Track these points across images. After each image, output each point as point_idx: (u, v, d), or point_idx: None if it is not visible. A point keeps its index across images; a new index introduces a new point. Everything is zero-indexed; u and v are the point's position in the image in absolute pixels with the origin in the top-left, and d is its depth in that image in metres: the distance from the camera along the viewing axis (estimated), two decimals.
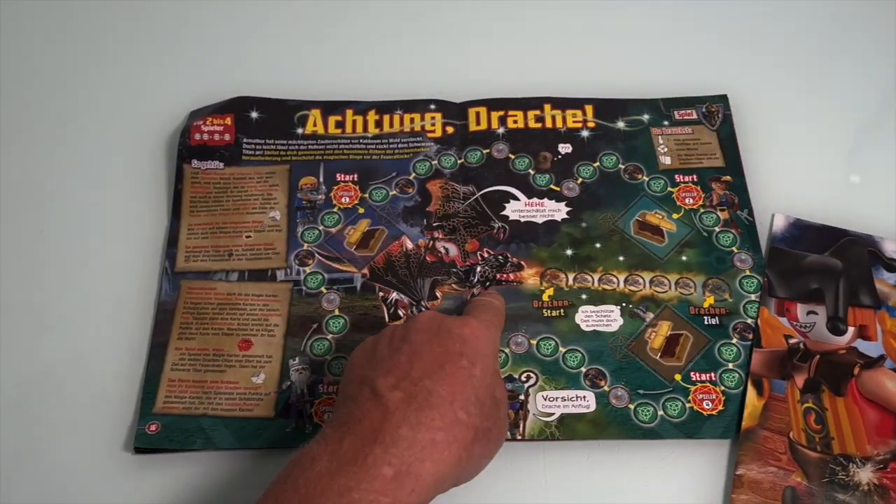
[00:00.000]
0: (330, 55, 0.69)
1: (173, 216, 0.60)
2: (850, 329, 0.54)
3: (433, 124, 0.64)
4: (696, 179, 0.61)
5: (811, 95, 0.67)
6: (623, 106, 0.65)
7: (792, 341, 0.54)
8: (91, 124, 0.65)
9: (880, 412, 0.51)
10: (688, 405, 0.52)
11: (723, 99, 0.65)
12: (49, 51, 0.70)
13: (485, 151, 0.63)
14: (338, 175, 0.62)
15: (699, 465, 0.51)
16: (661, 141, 0.63)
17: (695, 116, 0.64)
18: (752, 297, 0.56)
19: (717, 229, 0.59)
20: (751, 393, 0.52)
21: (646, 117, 0.64)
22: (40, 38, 0.70)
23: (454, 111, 0.65)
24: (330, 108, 0.65)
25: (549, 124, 0.64)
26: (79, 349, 0.55)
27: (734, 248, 0.58)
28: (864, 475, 0.49)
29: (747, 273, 0.57)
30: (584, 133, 0.63)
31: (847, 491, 0.48)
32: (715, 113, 0.64)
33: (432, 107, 0.65)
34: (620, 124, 0.64)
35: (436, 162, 0.62)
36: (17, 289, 0.55)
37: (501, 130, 0.64)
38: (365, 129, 0.64)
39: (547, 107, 0.65)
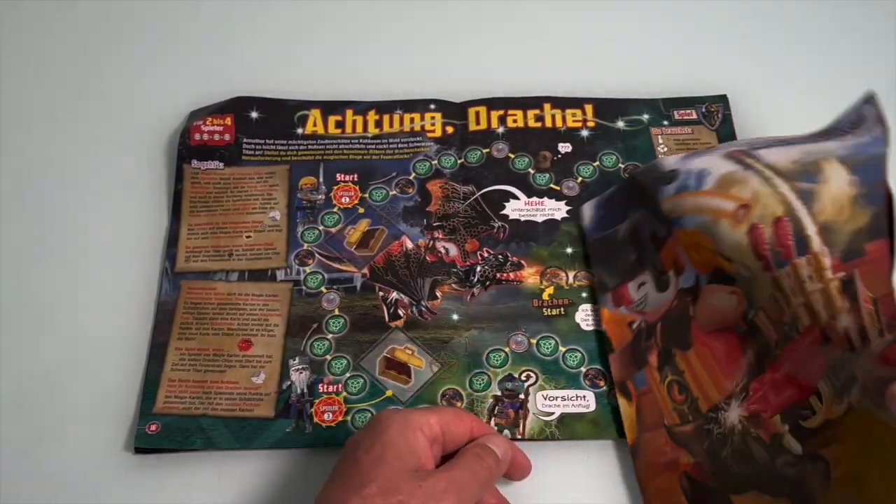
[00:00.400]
0: (330, 55, 0.69)
1: (173, 216, 0.60)
2: (670, 274, 0.48)
3: (433, 124, 0.64)
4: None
5: (811, 95, 0.66)
6: (623, 105, 0.65)
7: (634, 326, 0.50)
8: (91, 124, 0.65)
9: (722, 337, 0.46)
10: None
11: (722, 99, 0.65)
12: (49, 51, 0.70)
13: (485, 151, 0.63)
14: (338, 175, 0.62)
15: None
16: (660, 141, 0.63)
17: (694, 116, 0.64)
18: None
19: None
20: (622, 404, 0.49)
21: (645, 117, 0.64)
22: (40, 38, 0.71)
23: (454, 111, 0.65)
24: (330, 108, 0.65)
25: (548, 124, 0.64)
26: (79, 349, 0.55)
27: None
28: (733, 415, 0.45)
29: None
30: (584, 132, 0.63)
31: (725, 443, 0.45)
32: (714, 113, 0.64)
33: (432, 106, 0.65)
34: (620, 124, 0.64)
35: (436, 162, 0.62)
36: (17, 289, 0.55)
37: (501, 130, 0.64)
38: (365, 129, 0.64)
39: (547, 106, 0.65)
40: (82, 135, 0.65)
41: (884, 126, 0.44)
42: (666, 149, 0.63)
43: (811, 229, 0.42)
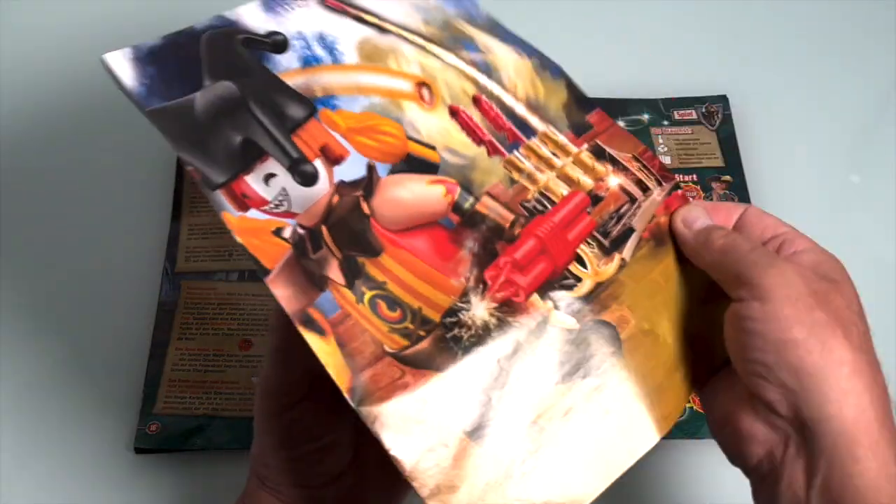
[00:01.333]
0: None
1: (174, 217, 0.60)
2: (318, 163, 0.37)
3: None
4: (695, 179, 0.61)
5: (810, 95, 0.67)
6: (623, 106, 0.65)
7: (286, 234, 0.36)
8: (90, 127, 0.65)
9: (424, 233, 0.38)
10: (688, 405, 0.52)
11: (722, 99, 0.65)
12: (48, 53, 0.70)
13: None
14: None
15: (699, 466, 0.51)
16: (660, 141, 0.63)
17: (694, 116, 0.64)
18: None
19: None
20: (313, 342, 0.34)
21: (645, 117, 0.64)
22: (39, 39, 0.70)
23: None
24: None
25: None
26: (79, 349, 0.55)
27: None
28: (480, 310, 0.37)
29: None
30: None
31: (483, 340, 0.36)
32: (714, 113, 0.64)
33: None
34: (620, 124, 0.64)
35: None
36: (17, 289, 0.55)
37: None
38: None
39: None
40: (82, 136, 0.65)
41: None
42: (666, 149, 0.63)
43: (519, 108, 0.42)
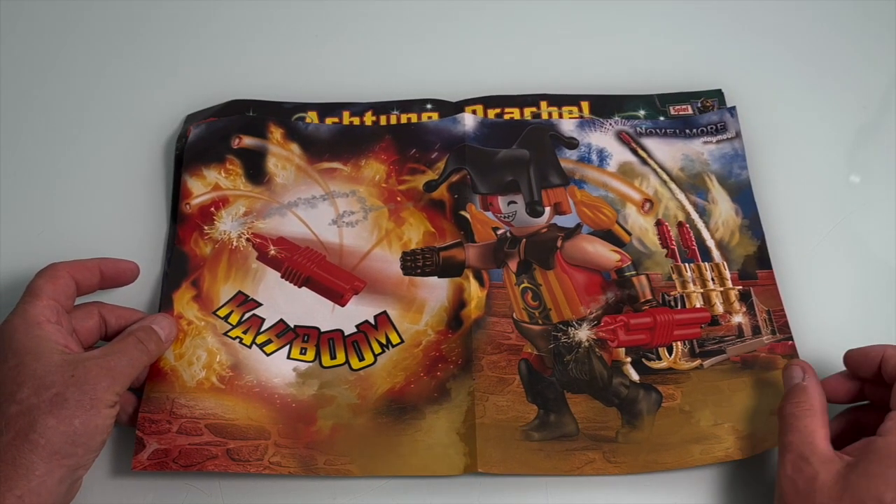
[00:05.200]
0: (325, 57, 0.69)
1: (172, 220, 0.60)
2: (547, 209, 0.59)
3: None
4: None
5: (807, 89, 0.67)
6: (618, 102, 0.65)
7: (499, 232, 0.58)
8: (89, 129, 0.65)
9: (587, 274, 0.56)
10: None
11: (717, 94, 0.65)
12: (46, 55, 0.70)
13: None
14: None
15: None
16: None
17: (690, 112, 0.64)
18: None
19: None
20: (473, 285, 0.56)
21: (641, 112, 0.64)
22: (37, 42, 0.70)
23: (450, 110, 0.65)
24: (326, 109, 0.65)
25: None
26: None
27: None
28: (583, 334, 0.54)
29: None
30: None
31: (571, 350, 0.53)
32: (710, 108, 0.64)
33: (429, 106, 0.65)
34: (616, 119, 0.64)
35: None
36: (17, 291, 0.55)
37: None
38: None
39: (543, 104, 0.65)
40: (81, 139, 0.65)
41: (741, 140, 0.62)
42: None
43: (710, 242, 0.58)
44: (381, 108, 0.65)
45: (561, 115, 0.64)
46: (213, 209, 0.58)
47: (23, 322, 0.46)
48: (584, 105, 0.65)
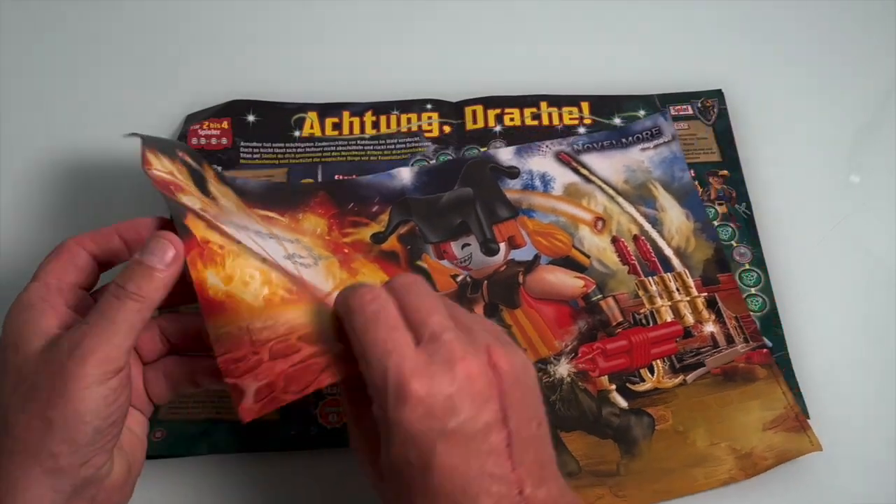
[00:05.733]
0: (325, 57, 0.69)
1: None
2: (502, 245, 0.57)
3: (430, 124, 0.64)
4: (693, 174, 0.61)
5: (807, 89, 0.67)
6: (618, 102, 0.65)
7: (459, 279, 0.56)
8: (89, 129, 0.65)
9: (554, 306, 0.55)
10: None
11: (718, 94, 0.65)
12: (46, 55, 0.69)
13: (482, 150, 0.63)
14: (336, 177, 0.62)
15: None
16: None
17: (690, 112, 0.64)
18: (752, 290, 0.56)
19: (715, 223, 0.59)
20: None
21: (641, 113, 0.64)
22: (36, 42, 0.70)
23: (450, 110, 0.65)
24: (326, 110, 0.65)
25: (545, 122, 0.64)
26: None
27: (733, 242, 0.58)
28: (563, 369, 0.53)
29: (747, 267, 0.57)
30: (581, 130, 0.64)
31: (555, 390, 0.52)
32: (710, 108, 0.64)
33: (429, 106, 0.65)
34: (616, 120, 0.64)
35: (433, 161, 0.62)
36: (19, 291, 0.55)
37: (498, 128, 0.64)
38: (362, 130, 0.64)
39: (543, 104, 0.65)
40: (80, 139, 0.65)
41: (678, 143, 0.61)
42: None
43: (668, 251, 0.57)
44: (381, 107, 0.65)
45: (561, 116, 0.64)
46: (172, 188, 0.48)
47: (14, 310, 0.40)
48: (584, 105, 0.65)
